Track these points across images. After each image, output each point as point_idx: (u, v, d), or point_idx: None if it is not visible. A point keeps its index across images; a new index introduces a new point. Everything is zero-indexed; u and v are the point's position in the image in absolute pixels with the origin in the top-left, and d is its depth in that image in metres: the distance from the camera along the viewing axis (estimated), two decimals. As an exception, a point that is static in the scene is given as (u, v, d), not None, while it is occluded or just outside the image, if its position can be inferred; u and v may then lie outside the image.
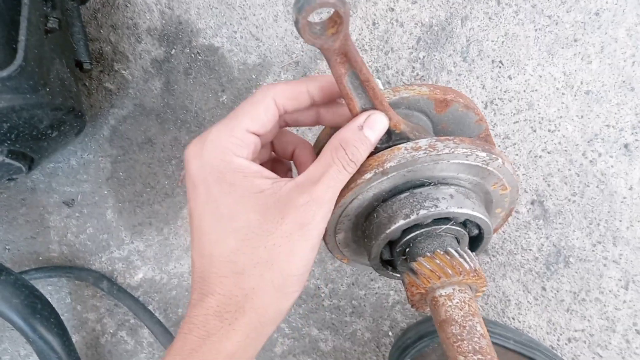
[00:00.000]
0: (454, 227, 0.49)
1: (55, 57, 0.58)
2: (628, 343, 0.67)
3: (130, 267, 0.75)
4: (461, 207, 0.47)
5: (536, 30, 0.73)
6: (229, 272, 0.36)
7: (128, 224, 0.75)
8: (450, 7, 0.76)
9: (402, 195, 0.48)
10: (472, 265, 0.46)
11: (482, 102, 0.73)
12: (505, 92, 0.72)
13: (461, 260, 0.46)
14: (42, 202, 0.77)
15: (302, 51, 0.77)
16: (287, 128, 0.47)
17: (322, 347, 0.73)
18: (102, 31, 0.81)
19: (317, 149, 0.57)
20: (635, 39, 0.72)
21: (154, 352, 0.78)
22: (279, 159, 0.50)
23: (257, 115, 0.40)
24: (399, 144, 0.48)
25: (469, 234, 0.51)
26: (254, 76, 0.77)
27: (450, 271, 0.45)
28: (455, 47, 0.75)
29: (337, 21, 0.39)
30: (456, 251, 0.47)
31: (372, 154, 0.49)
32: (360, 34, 0.77)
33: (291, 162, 0.50)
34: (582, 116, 0.71)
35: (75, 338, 0.77)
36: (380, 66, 0.76)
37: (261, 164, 0.43)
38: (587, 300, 0.67)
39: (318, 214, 0.38)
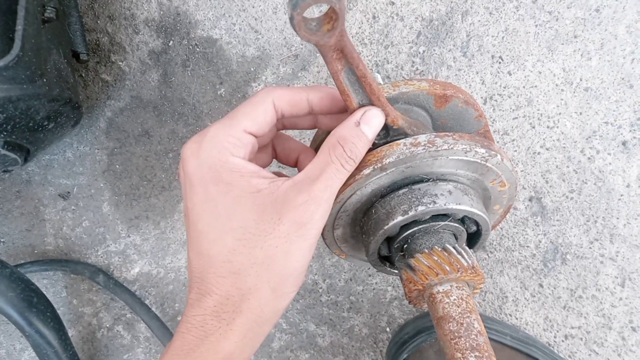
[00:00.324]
0: (452, 223, 0.49)
1: (52, 48, 0.57)
2: (624, 340, 0.67)
3: (126, 261, 0.75)
4: (459, 204, 0.47)
5: (536, 26, 0.73)
6: (226, 272, 0.36)
7: (124, 218, 0.75)
8: (451, 2, 0.75)
9: (401, 191, 0.48)
10: (469, 262, 0.46)
11: (482, 97, 0.72)
12: (504, 88, 0.72)
13: (459, 256, 0.46)
14: (37, 195, 0.77)
15: (302, 44, 0.76)
16: (289, 134, 0.47)
17: (319, 342, 0.73)
18: (99, 22, 0.80)
19: (316, 144, 0.57)
20: (635, 36, 0.72)
21: (150, 346, 0.78)
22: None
23: (256, 117, 0.39)
24: (398, 139, 0.47)
25: (467, 231, 0.51)
26: (252, 69, 0.77)
27: (447, 268, 0.45)
28: (456, 42, 0.74)
29: (333, 17, 0.39)
30: (454, 248, 0.46)
31: (370, 149, 0.49)
32: (360, 28, 0.76)
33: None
34: (580, 113, 0.71)
35: (71, 332, 0.77)
36: (379, 60, 0.75)
37: None
38: (583, 297, 0.67)
39: (316, 212, 0.38)
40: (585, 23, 0.73)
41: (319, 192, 0.38)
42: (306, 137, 0.75)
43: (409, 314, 0.68)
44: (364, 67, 0.45)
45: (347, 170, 0.41)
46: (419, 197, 0.47)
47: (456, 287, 0.46)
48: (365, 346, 0.71)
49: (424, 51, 0.75)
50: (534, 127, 0.71)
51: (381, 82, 0.73)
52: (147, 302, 0.72)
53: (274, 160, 0.51)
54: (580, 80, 0.72)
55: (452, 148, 0.45)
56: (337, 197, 0.48)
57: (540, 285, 0.68)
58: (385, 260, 0.53)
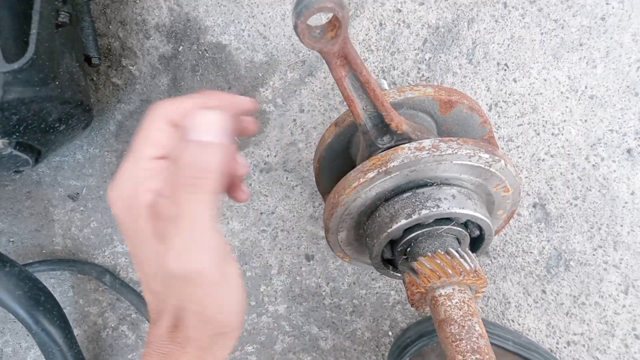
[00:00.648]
0: (455, 227, 0.49)
1: (65, 51, 0.58)
2: (627, 347, 0.67)
3: (133, 262, 0.76)
4: (463, 208, 0.48)
5: (542, 33, 0.74)
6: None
7: (132, 219, 0.76)
8: (457, 9, 0.76)
9: (405, 195, 0.49)
10: (472, 265, 0.47)
11: (487, 104, 0.73)
12: (510, 94, 0.73)
13: (462, 260, 0.46)
14: (47, 196, 0.78)
15: (309, 51, 0.77)
16: None
17: (322, 345, 0.74)
18: (110, 27, 0.82)
19: (322, 147, 0.58)
20: (640, 45, 0.72)
21: (155, 346, 0.78)
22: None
23: (154, 139, 0.37)
24: (402, 144, 0.48)
25: (470, 235, 0.51)
26: (260, 74, 0.78)
27: (450, 271, 0.46)
28: (461, 49, 0.75)
29: (336, 25, 0.40)
30: (457, 251, 0.47)
31: (375, 153, 0.50)
32: (367, 35, 0.77)
33: None
34: (585, 120, 0.71)
35: (76, 331, 0.78)
36: (386, 67, 0.76)
37: None
38: (586, 304, 0.67)
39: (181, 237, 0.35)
40: (591, 31, 0.73)
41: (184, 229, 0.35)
42: (312, 136, 0.76)
43: (412, 318, 0.68)
44: (367, 73, 0.46)
45: (204, 196, 0.35)
46: (422, 200, 0.48)
47: (458, 290, 0.47)
48: (368, 350, 0.72)
49: (430, 58, 0.76)
50: (538, 134, 0.71)
51: (387, 88, 0.73)
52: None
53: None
54: (586, 87, 0.72)
55: (456, 153, 0.46)
56: (341, 199, 0.49)
57: (543, 292, 0.68)
58: (388, 263, 0.54)
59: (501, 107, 0.73)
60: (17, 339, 0.81)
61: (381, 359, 0.71)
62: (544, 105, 0.72)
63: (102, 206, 0.77)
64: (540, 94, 0.72)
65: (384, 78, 0.76)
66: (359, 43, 0.77)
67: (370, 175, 0.47)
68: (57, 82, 0.55)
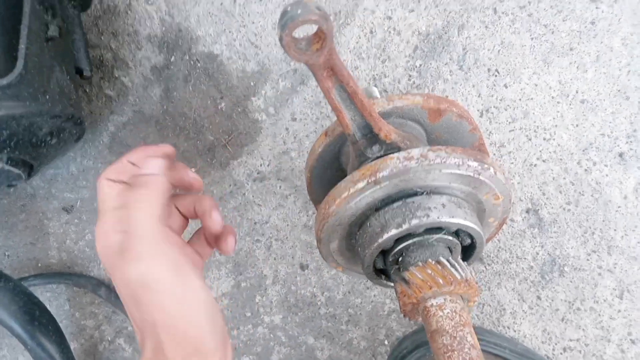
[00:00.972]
0: (446, 236, 0.49)
1: (55, 65, 0.59)
2: (623, 353, 0.67)
3: (128, 273, 0.76)
4: (453, 217, 0.48)
5: (532, 39, 0.74)
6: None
7: (126, 230, 0.76)
8: (447, 16, 0.76)
9: (395, 205, 0.49)
10: (463, 275, 0.47)
11: (478, 110, 0.73)
12: (501, 100, 0.73)
13: (452, 269, 0.46)
14: (41, 208, 0.78)
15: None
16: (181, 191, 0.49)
17: (318, 355, 0.73)
18: (102, 38, 0.82)
19: (313, 157, 0.58)
20: (630, 49, 0.72)
21: None
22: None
23: (108, 194, 0.42)
24: (391, 153, 0.48)
25: (461, 243, 0.51)
26: (252, 83, 0.78)
27: (441, 281, 0.46)
28: (452, 55, 0.75)
29: (321, 37, 0.40)
30: (448, 261, 0.47)
31: (365, 162, 0.50)
32: (357, 42, 0.78)
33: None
34: (577, 125, 0.71)
35: (73, 345, 0.78)
36: (377, 74, 0.76)
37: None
38: (582, 309, 0.67)
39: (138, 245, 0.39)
40: (581, 36, 0.73)
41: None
42: (305, 144, 0.76)
43: (407, 326, 0.68)
44: (354, 83, 0.46)
45: (148, 200, 0.41)
46: (412, 210, 0.48)
47: (450, 300, 0.46)
48: (364, 359, 0.72)
49: (420, 65, 0.76)
50: (530, 140, 0.71)
51: (378, 96, 0.73)
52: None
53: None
54: (577, 92, 0.72)
55: (444, 162, 0.46)
56: (331, 210, 0.49)
57: (538, 298, 0.68)
58: (381, 273, 0.54)
59: (492, 113, 0.73)
60: (14, 353, 0.81)
61: (377, 368, 0.71)
62: (535, 111, 0.72)
63: (97, 218, 0.77)
64: (531, 99, 0.72)
65: (375, 86, 0.76)
66: (350, 51, 0.77)
67: (360, 185, 0.47)
68: (47, 97, 0.55)
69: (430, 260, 0.47)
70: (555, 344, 0.68)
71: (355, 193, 0.47)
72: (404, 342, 0.64)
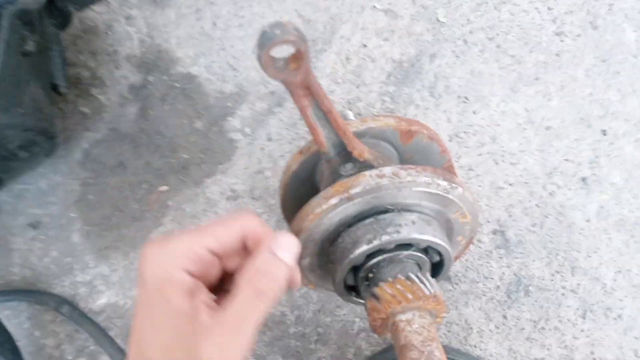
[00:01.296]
0: (415, 253, 0.50)
1: (30, 79, 0.59)
2: (587, 372, 0.68)
3: (93, 292, 0.74)
4: (422, 233, 0.49)
5: (500, 68, 0.78)
6: None
7: (94, 248, 0.75)
8: (420, 45, 0.80)
9: (367, 221, 0.50)
10: (432, 290, 0.48)
11: (448, 135, 0.76)
12: (470, 126, 0.76)
13: (421, 285, 0.47)
14: (6, 224, 0.76)
15: (277, 82, 0.79)
16: None
17: (288, 375, 0.73)
18: (81, 57, 0.82)
19: (287, 174, 0.59)
20: (593, 79, 0.76)
21: (116, 379, 0.76)
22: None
23: (222, 236, 0.39)
24: (364, 171, 0.49)
25: (430, 261, 0.52)
26: (229, 104, 0.79)
27: (410, 296, 0.47)
28: (424, 82, 0.78)
29: (298, 57, 0.42)
30: (417, 276, 0.48)
31: (338, 180, 0.51)
32: (333, 68, 0.80)
33: None
34: (542, 150, 0.74)
35: (33, 365, 0.75)
36: (352, 98, 0.79)
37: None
38: (546, 328, 0.68)
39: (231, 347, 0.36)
40: (547, 66, 0.77)
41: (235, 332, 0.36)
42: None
43: (376, 345, 0.68)
44: (329, 102, 0.47)
45: (267, 303, 0.38)
46: (384, 226, 0.49)
47: (419, 315, 0.47)
48: (335, 379, 0.71)
49: (393, 91, 0.78)
50: (497, 164, 0.74)
51: (353, 119, 0.75)
52: (112, 333, 0.71)
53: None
54: (542, 119, 0.76)
55: (415, 180, 0.48)
56: (304, 225, 0.49)
57: (504, 317, 0.69)
58: (351, 290, 0.54)
59: (461, 138, 0.75)
60: (-30, 375, 0.77)
61: (348, 389, 0.71)
62: (503, 136, 0.75)
63: (64, 235, 0.76)
64: (499, 125, 0.75)
65: (350, 109, 0.78)
66: (326, 76, 0.80)
67: (333, 201, 0.48)
68: (20, 110, 0.55)
69: (399, 276, 0.48)
70: (522, 364, 0.69)
71: (328, 209, 0.48)
72: (374, 361, 0.65)
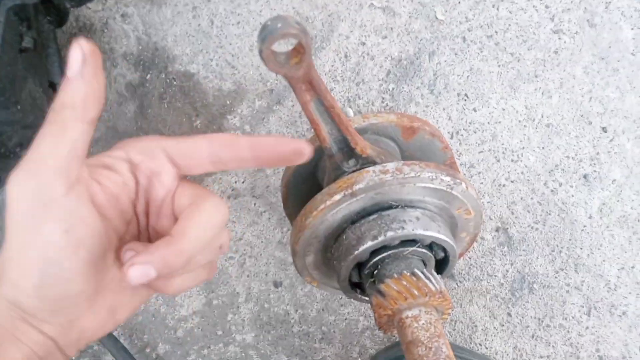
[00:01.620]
0: (420, 249, 0.50)
1: (28, 76, 0.58)
2: (591, 369, 0.68)
3: (95, 292, 0.73)
4: (427, 230, 0.49)
5: (499, 66, 0.77)
6: None
7: (95, 248, 0.74)
8: (419, 43, 0.79)
9: (371, 217, 0.49)
10: (437, 287, 0.47)
11: (449, 132, 0.75)
12: (470, 123, 0.75)
13: (427, 281, 0.47)
14: (2, 222, 0.75)
15: (277, 80, 0.78)
16: None
17: (290, 375, 0.72)
18: (77, 55, 0.81)
19: (289, 172, 0.58)
20: (591, 76, 0.76)
21: (116, 381, 0.75)
22: None
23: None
24: (367, 167, 0.49)
25: (435, 257, 0.52)
26: (228, 102, 0.78)
27: (416, 292, 0.46)
28: (423, 80, 0.78)
29: (300, 51, 0.41)
30: (422, 273, 0.48)
31: (341, 175, 0.51)
32: (332, 66, 0.79)
33: None
34: (543, 147, 0.74)
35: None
36: (351, 96, 0.78)
37: None
38: (551, 326, 0.68)
39: None
40: (545, 64, 0.77)
41: None
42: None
43: (381, 344, 0.68)
44: (331, 98, 0.47)
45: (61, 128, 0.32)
46: (388, 222, 0.49)
47: (425, 311, 0.47)
48: (338, 379, 0.71)
49: (393, 88, 0.78)
50: (498, 161, 0.74)
51: (352, 117, 0.75)
52: (115, 333, 0.70)
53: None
54: (542, 116, 0.75)
55: (418, 175, 0.47)
56: (307, 222, 0.49)
57: (509, 315, 0.69)
58: (356, 287, 0.54)
59: (462, 135, 0.75)
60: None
61: (350, 388, 0.70)
62: (503, 133, 0.75)
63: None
64: (499, 122, 0.75)
65: (350, 107, 0.78)
66: (325, 74, 0.79)
67: (337, 197, 0.48)
68: (18, 107, 0.54)
69: (405, 272, 0.47)
70: (526, 362, 0.69)
71: (331, 205, 0.48)
72: (377, 358, 0.64)
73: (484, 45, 0.79)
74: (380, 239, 0.48)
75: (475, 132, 0.75)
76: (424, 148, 0.59)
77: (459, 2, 0.80)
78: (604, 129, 0.75)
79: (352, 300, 0.68)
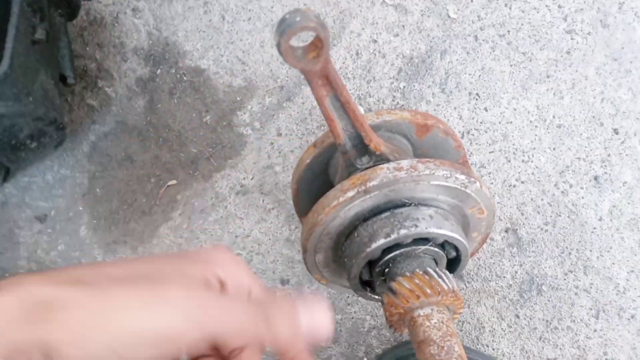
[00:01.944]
0: (432, 248, 0.50)
1: (40, 68, 0.58)
2: (599, 372, 0.68)
3: (102, 286, 0.73)
4: (440, 228, 0.48)
5: (511, 65, 0.77)
6: None
7: (102, 242, 0.74)
8: (430, 41, 0.79)
9: (383, 215, 0.49)
10: (450, 285, 0.47)
11: (459, 132, 0.75)
12: (481, 123, 0.75)
13: (439, 280, 0.47)
14: (13, 217, 0.75)
15: (287, 76, 0.78)
16: None
17: (296, 373, 0.72)
18: (87, 48, 0.81)
19: (300, 168, 0.58)
20: (603, 77, 0.76)
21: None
22: None
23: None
24: (381, 164, 0.49)
25: (446, 256, 0.52)
26: (239, 98, 0.78)
27: (429, 291, 0.46)
28: (435, 78, 0.77)
29: (318, 45, 0.41)
30: (435, 272, 0.47)
31: (354, 172, 0.50)
32: (344, 63, 0.79)
33: None
34: (554, 148, 0.74)
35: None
36: (362, 94, 0.78)
37: None
38: (559, 328, 0.67)
39: None
40: (557, 64, 0.77)
41: None
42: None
43: (387, 343, 0.68)
44: (347, 93, 0.47)
45: None
46: (401, 220, 0.48)
47: (437, 310, 0.47)
48: (344, 377, 0.71)
49: (404, 87, 0.78)
50: (509, 161, 0.73)
51: (365, 114, 0.75)
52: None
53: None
54: (553, 117, 0.75)
55: (433, 173, 0.47)
56: (319, 219, 0.48)
57: (517, 316, 0.68)
58: (366, 285, 0.54)
59: (473, 135, 0.75)
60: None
61: (357, 387, 0.70)
62: (514, 134, 0.74)
63: (71, 228, 0.75)
64: (511, 122, 0.75)
65: (360, 105, 0.77)
66: (336, 71, 0.79)
67: (350, 194, 0.47)
68: (30, 98, 0.54)
69: (417, 270, 0.47)
70: (534, 363, 0.68)
71: (344, 202, 0.47)
72: (384, 357, 0.64)
73: (496, 44, 0.78)
74: (393, 236, 0.47)
75: (486, 132, 0.75)
76: (437, 146, 0.58)
77: (472, 1, 0.80)
78: (616, 131, 0.75)
79: (359, 299, 0.68)
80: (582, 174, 0.73)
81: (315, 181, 0.59)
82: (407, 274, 0.47)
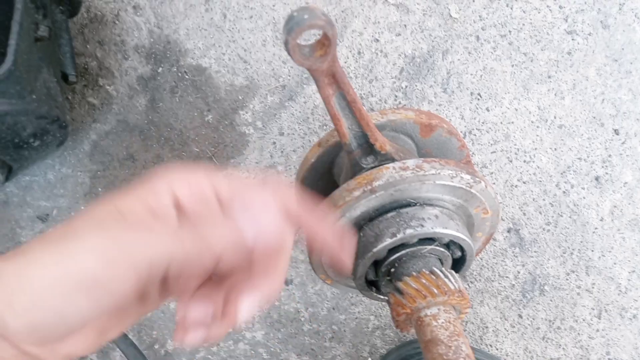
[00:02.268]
0: (438, 248, 0.50)
1: (43, 66, 0.57)
2: (601, 372, 0.68)
3: (103, 286, 0.73)
4: (446, 228, 0.48)
5: (513, 65, 0.77)
6: None
7: (103, 241, 0.73)
8: (432, 41, 0.79)
9: (389, 215, 0.49)
10: (456, 285, 0.47)
11: (461, 132, 0.75)
12: (483, 123, 0.75)
13: (446, 280, 0.47)
14: (14, 217, 0.75)
15: (289, 75, 0.78)
16: None
17: (298, 373, 0.72)
18: (88, 46, 0.81)
19: (305, 168, 0.58)
20: (604, 78, 0.76)
21: (122, 376, 0.75)
22: None
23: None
24: (386, 164, 0.49)
25: (452, 256, 0.52)
26: (240, 97, 0.78)
27: (436, 291, 0.46)
28: (436, 78, 0.78)
29: (325, 43, 0.41)
30: (441, 271, 0.47)
31: (359, 172, 0.50)
32: (346, 62, 0.79)
33: None
34: (555, 149, 0.74)
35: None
36: (364, 94, 0.78)
37: None
38: (562, 328, 0.68)
39: None
40: (558, 65, 0.77)
41: None
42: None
43: (391, 343, 0.68)
44: (354, 92, 0.47)
45: None
46: (407, 220, 0.48)
47: (444, 310, 0.47)
48: (346, 377, 0.70)
49: (406, 86, 0.78)
50: (511, 161, 0.74)
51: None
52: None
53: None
54: (555, 117, 0.75)
55: (439, 173, 0.47)
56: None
57: (520, 316, 0.68)
58: (371, 285, 0.53)
59: (475, 135, 0.75)
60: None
61: (359, 387, 0.70)
62: (516, 134, 0.75)
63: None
64: (512, 123, 0.75)
65: (362, 104, 0.77)
66: (338, 70, 0.79)
67: (356, 193, 0.47)
68: (33, 96, 0.54)
69: (424, 270, 0.47)
70: (536, 363, 0.69)
71: (350, 201, 0.47)
72: (388, 357, 0.64)
73: (497, 44, 0.78)
74: (399, 236, 0.47)
75: (488, 132, 0.75)
76: (441, 146, 0.58)
77: (473, 1, 0.80)
78: (616, 131, 0.75)
79: (363, 299, 0.68)
80: (583, 175, 0.73)
81: (320, 181, 0.59)
82: (414, 273, 0.47)
